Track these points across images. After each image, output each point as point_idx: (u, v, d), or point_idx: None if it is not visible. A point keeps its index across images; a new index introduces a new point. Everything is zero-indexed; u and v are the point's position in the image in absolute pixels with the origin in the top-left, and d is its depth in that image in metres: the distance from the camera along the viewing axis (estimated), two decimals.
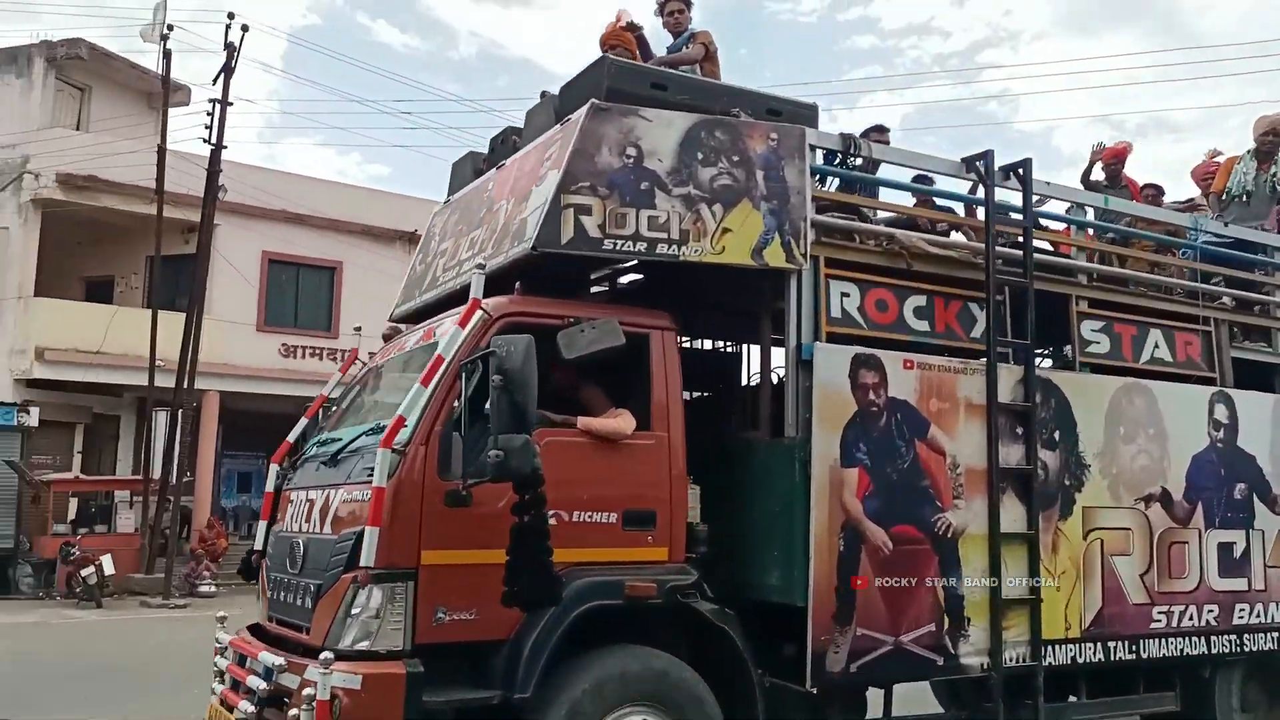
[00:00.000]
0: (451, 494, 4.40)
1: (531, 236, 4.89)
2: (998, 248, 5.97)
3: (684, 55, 6.14)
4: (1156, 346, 6.63)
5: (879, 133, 6.77)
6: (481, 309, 4.73)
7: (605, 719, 4.57)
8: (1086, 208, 7.00)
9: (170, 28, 20.66)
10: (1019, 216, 6.09)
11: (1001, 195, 6.13)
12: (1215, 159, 8.39)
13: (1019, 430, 5.77)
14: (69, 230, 22.01)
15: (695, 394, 6.64)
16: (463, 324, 4.66)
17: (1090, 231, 7.20)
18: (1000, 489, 5.63)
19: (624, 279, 6.45)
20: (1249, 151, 7.52)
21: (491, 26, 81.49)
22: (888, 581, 5.25)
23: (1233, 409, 6.66)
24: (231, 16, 19.75)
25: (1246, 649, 6.50)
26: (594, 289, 6.22)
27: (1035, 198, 6.24)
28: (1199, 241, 7.32)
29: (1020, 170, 6.07)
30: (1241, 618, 6.51)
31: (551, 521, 4.48)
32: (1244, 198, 7.34)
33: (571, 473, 4.76)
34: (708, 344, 7.28)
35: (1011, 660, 5.55)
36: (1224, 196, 7.55)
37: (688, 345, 6.71)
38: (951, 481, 5.52)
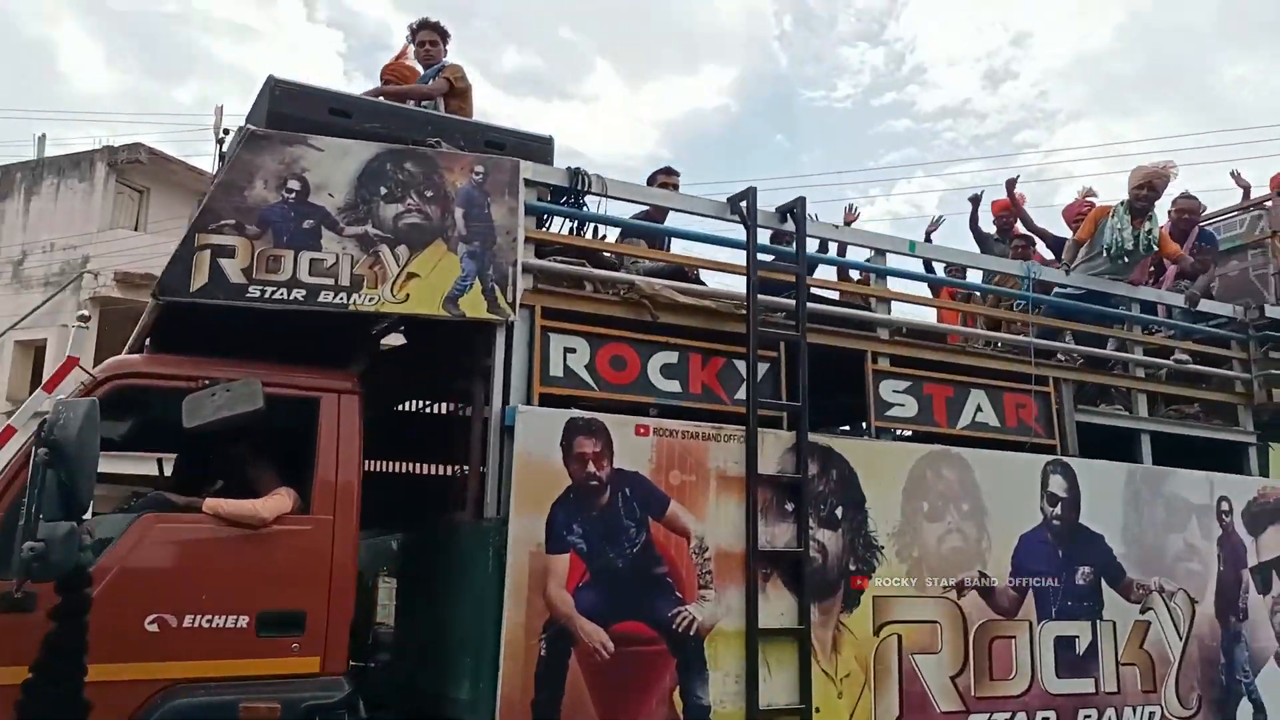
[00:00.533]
0: (4, 597, 3.59)
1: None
2: (776, 298, 5.24)
3: (422, 89, 5.48)
4: (979, 410, 5.82)
5: (666, 175, 6.08)
6: (82, 369, 3.97)
7: None
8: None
9: (227, 131, 20.63)
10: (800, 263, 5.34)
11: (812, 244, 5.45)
12: (1088, 199, 7.64)
13: (788, 507, 4.95)
14: (125, 325, 21.84)
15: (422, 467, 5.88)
16: (49, 388, 3.89)
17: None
18: (763, 575, 4.80)
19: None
20: (1122, 204, 6.79)
21: (536, 120, 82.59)
22: (607, 692, 4.38)
23: (1073, 480, 5.82)
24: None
25: None
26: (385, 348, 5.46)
27: (832, 242, 5.51)
28: (1046, 292, 6.58)
29: (794, 210, 5.34)
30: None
31: (151, 628, 3.68)
32: (1123, 259, 6.56)
33: (191, 566, 3.95)
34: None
35: None
36: (1096, 249, 6.78)
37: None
38: (698, 568, 4.68)
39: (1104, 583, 5.81)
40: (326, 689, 4.05)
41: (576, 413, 4.57)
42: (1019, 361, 6.02)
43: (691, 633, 4.60)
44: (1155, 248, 6.75)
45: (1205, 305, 6.94)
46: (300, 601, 4.10)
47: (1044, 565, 5.62)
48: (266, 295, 4.23)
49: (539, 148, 5.01)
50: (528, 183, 4.77)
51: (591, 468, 4.51)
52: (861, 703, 4.94)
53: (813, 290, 5.64)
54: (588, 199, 5.03)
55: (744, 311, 5.05)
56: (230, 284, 4.18)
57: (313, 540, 4.17)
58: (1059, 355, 6.21)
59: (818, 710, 4.80)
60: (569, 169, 4.91)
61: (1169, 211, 7.40)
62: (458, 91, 5.53)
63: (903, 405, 5.58)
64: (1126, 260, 6.72)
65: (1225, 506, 6.38)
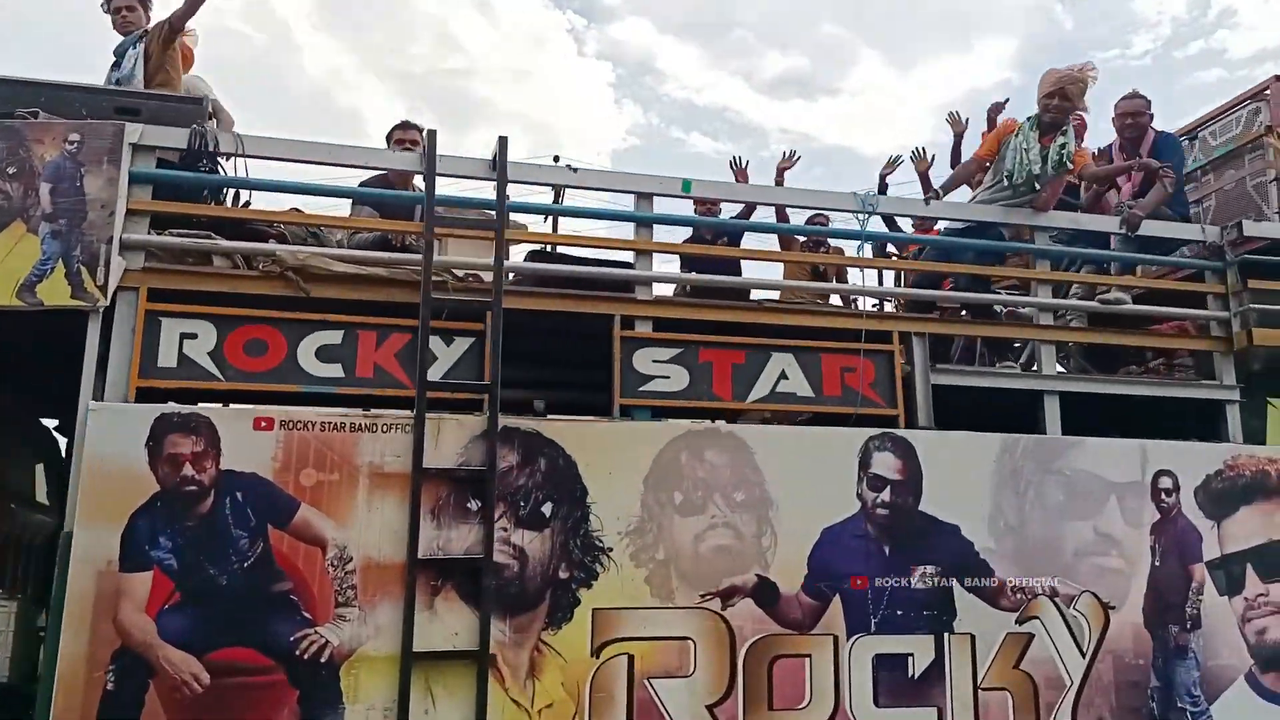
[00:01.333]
0: None
1: None
2: (474, 260, 4.43)
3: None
4: (783, 377, 4.73)
5: (402, 130, 5.36)
6: None
7: None
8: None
9: None
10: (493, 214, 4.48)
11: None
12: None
13: (472, 506, 4.12)
14: None
15: None
16: None
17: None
18: (432, 589, 4.01)
19: None
20: (1029, 119, 5.44)
21: (801, 121, 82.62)
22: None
23: (910, 458, 4.62)
24: (557, 159, 20.15)
25: None
26: None
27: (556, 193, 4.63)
28: (926, 231, 5.35)
29: (495, 156, 4.48)
30: None
31: None
32: (1034, 185, 5.21)
33: None
34: None
35: None
36: (999, 176, 5.45)
37: None
38: (335, 583, 3.95)
39: (958, 586, 4.58)
40: None
41: (173, 407, 3.95)
42: (848, 316, 4.87)
43: (322, 660, 3.88)
44: (1070, 165, 5.33)
45: (1157, 228, 5.44)
46: None
47: (859, 565, 4.48)
48: None
49: (185, 112, 4.42)
50: (138, 149, 4.19)
51: (189, 470, 3.88)
52: None
53: (566, 250, 4.78)
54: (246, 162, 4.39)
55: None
56: None
57: None
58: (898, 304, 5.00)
59: None
60: (192, 129, 4.28)
61: (1112, 120, 5.88)
62: (173, 60, 5.04)
63: (666, 378, 4.59)
64: (1038, 186, 5.35)
65: (1167, 484, 4.93)
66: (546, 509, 4.21)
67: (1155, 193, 5.47)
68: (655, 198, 4.81)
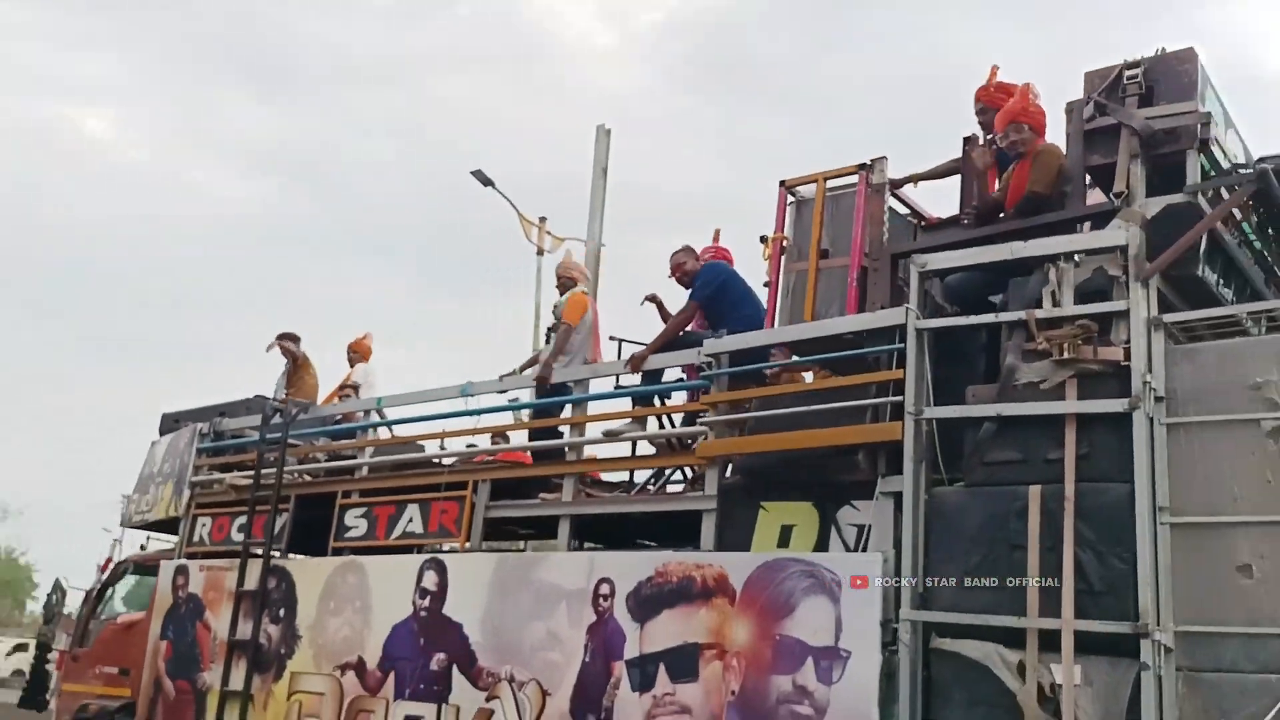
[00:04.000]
0: None
1: None
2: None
3: None
4: (410, 521, 6.99)
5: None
6: None
7: None
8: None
9: None
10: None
11: None
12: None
13: (254, 610, 7.51)
14: None
15: None
16: None
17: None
18: (237, 655, 7.52)
19: None
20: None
21: None
22: (164, 712, 7.85)
23: (443, 575, 6.50)
24: None
25: None
26: None
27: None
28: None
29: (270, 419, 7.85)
30: None
31: None
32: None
33: None
34: None
35: None
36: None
37: None
38: (212, 650, 7.73)
39: (455, 669, 6.25)
40: None
41: (181, 561, 8.26)
42: (446, 472, 6.89)
43: (203, 689, 7.68)
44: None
45: (661, 359, 6.03)
46: None
47: (406, 651, 6.54)
48: None
49: (255, 404, 8.83)
50: (217, 433, 8.74)
51: (180, 592, 8.14)
52: None
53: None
54: None
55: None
56: None
57: None
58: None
59: None
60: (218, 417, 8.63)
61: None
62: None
63: (357, 527, 7.29)
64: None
65: (605, 590, 5.72)
66: (282, 612, 7.36)
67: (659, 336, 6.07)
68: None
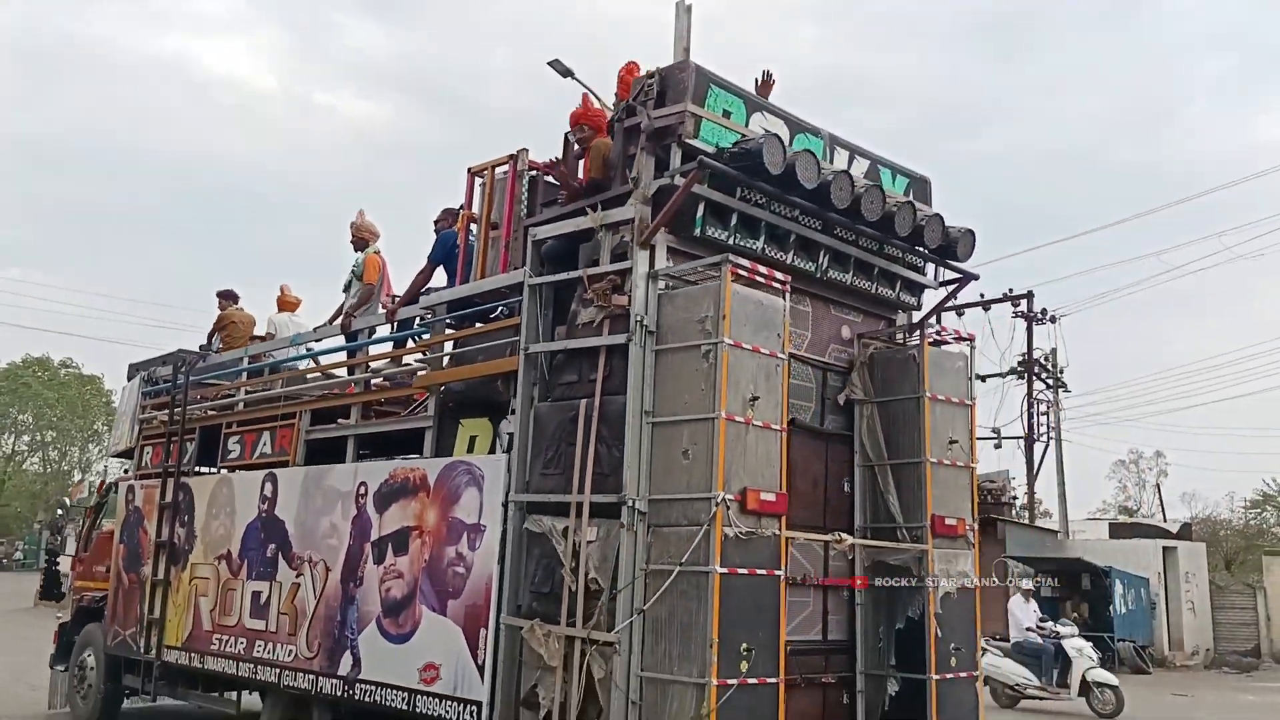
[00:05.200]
0: None
1: None
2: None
3: None
4: (264, 444, 8.93)
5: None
6: None
7: None
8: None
9: None
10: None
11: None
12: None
13: (171, 517, 9.61)
14: None
15: None
16: None
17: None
18: (160, 552, 9.66)
19: None
20: None
21: None
22: (122, 598, 10.10)
23: (276, 486, 8.43)
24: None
25: (264, 679, 8.12)
26: None
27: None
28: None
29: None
30: (260, 653, 8.18)
31: None
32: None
33: None
34: None
35: (148, 652, 9.46)
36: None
37: None
38: (150, 549, 9.88)
39: (280, 555, 8.20)
40: None
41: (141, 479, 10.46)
42: (281, 405, 8.79)
43: (142, 578, 9.88)
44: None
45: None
46: None
47: (254, 544, 8.54)
48: None
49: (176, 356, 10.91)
50: (144, 380, 10.86)
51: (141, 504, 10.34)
52: (182, 619, 9.19)
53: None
54: None
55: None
56: None
57: None
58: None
59: (167, 619, 9.37)
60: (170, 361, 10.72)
61: None
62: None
63: (234, 450, 9.28)
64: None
65: (363, 490, 7.54)
66: (187, 517, 9.44)
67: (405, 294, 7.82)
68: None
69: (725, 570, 5.38)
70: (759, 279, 5.81)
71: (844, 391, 7.05)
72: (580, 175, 6.74)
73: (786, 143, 6.32)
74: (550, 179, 7.10)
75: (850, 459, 7.06)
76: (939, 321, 7.65)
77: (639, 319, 5.80)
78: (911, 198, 7.19)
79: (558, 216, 6.54)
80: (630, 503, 5.65)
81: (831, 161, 6.81)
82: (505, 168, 7.13)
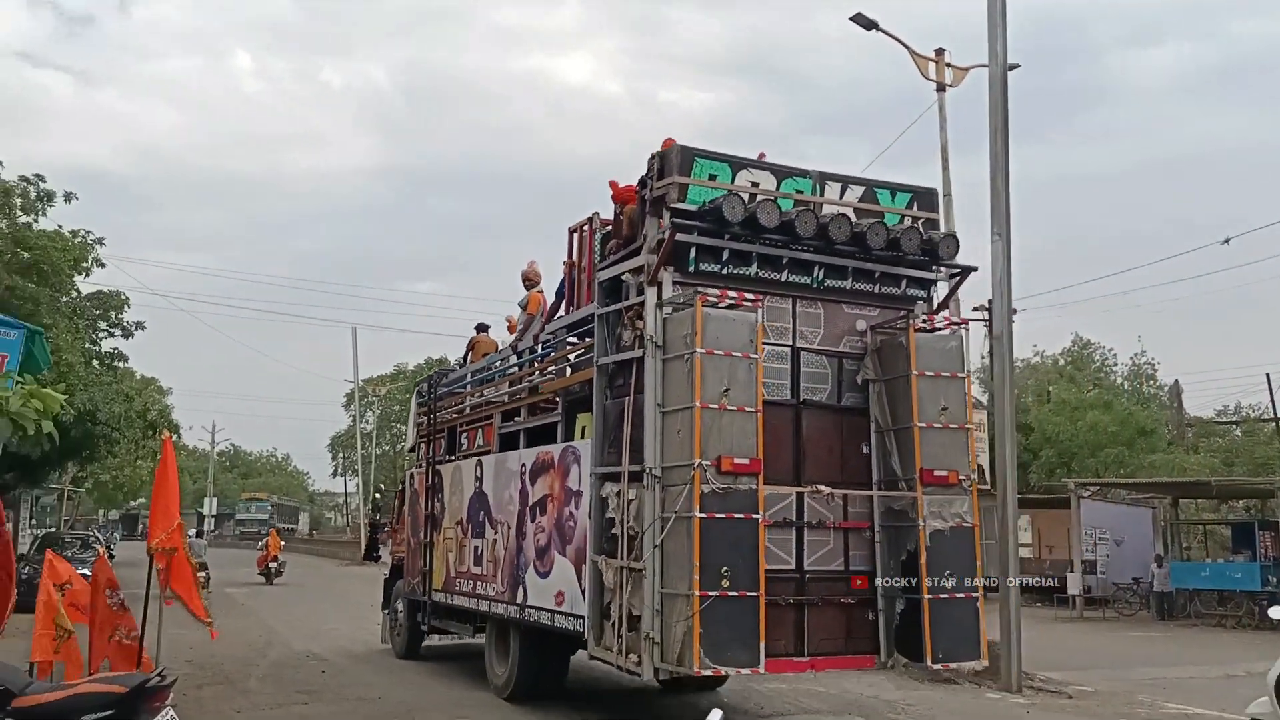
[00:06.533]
0: None
1: None
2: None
3: None
4: (480, 438, 11.94)
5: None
6: None
7: None
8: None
9: None
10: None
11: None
12: None
13: (432, 494, 12.92)
14: None
15: None
16: None
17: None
18: (427, 520, 13.00)
19: None
20: None
21: None
22: (410, 556, 13.58)
23: (482, 469, 11.42)
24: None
25: (490, 612, 11.10)
26: None
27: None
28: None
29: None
30: (480, 590, 11.19)
31: None
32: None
33: None
34: None
35: (425, 595, 12.82)
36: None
37: None
38: (422, 519, 13.26)
39: (486, 519, 11.17)
40: None
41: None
42: (491, 408, 11.75)
43: (424, 540, 13.33)
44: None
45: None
46: None
47: (472, 511, 11.58)
48: None
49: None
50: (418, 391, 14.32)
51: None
52: (440, 567, 12.48)
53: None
54: None
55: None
56: None
57: None
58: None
59: (433, 569, 12.70)
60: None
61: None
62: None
63: (465, 443, 12.37)
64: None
65: (524, 469, 10.30)
66: (443, 494, 12.70)
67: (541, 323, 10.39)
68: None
69: (705, 515, 7.51)
70: (730, 300, 7.85)
71: (859, 373, 8.84)
72: (623, 232, 9.04)
73: (775, 188, 8.31)
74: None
75: (867, 427, 8.83)
76: (957, 311, 9.22)
77: (650, 337, 8.04)
78: (915, 209, 8.86)
79: (607, 264, 8.90)
80: (649, 469, 7.92)
81: (823, 194, 8.64)
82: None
